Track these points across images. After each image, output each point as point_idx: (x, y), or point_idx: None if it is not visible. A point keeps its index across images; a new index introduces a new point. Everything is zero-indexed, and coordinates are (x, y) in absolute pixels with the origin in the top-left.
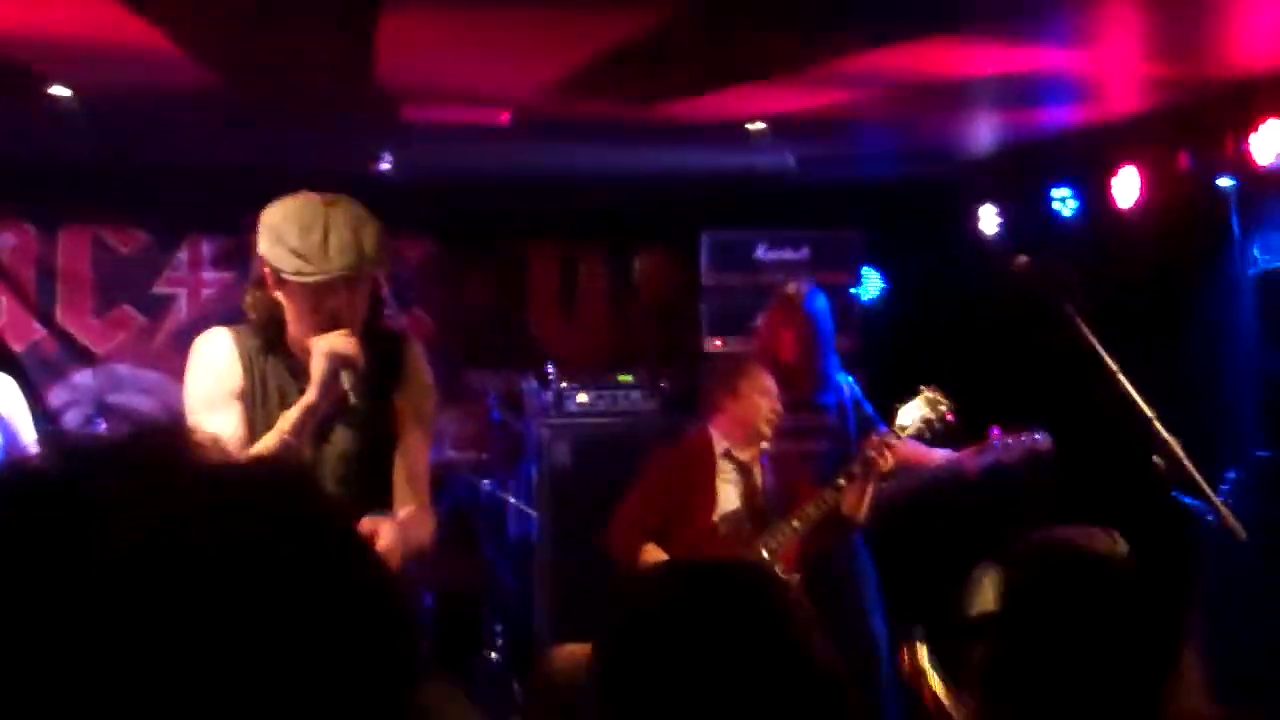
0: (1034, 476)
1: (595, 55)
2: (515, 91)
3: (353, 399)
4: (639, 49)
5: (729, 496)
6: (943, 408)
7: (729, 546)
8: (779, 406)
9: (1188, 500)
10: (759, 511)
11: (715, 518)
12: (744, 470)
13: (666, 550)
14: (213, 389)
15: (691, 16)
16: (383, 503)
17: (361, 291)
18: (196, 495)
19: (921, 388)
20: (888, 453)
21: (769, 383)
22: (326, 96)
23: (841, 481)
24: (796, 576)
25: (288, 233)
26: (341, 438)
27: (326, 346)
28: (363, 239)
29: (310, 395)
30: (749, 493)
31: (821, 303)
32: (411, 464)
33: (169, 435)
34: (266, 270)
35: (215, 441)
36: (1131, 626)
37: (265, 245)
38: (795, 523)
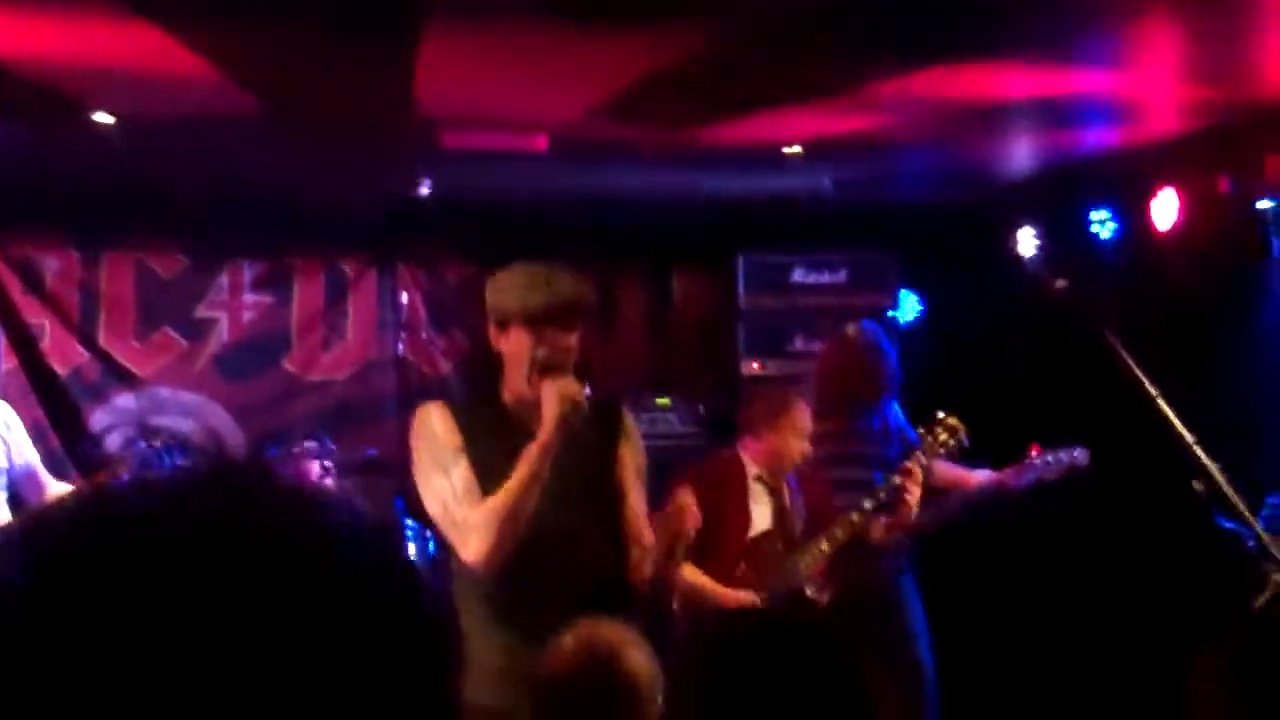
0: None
1: (632, 81)
2: (552, 117)
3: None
4: (675, 75)
5: (762, 516)
6: (960, 434)
7: (762, 566)
8: (809, 450)
9: (1228, 525)
10: (791, 533)
11: (748, 537)
12: (775, 493)
13: (700, 568)
14: (436, 452)
15: (728, 42)
16: (598, 542)
17: (575, 339)
18: (273, 531)
19: (939, 414)
20: (913, 480)
21: (806, 422)
22: (367, 122)
23: (867, 505)
24: (826, 596)
25: (515, 279)
26: (565, 480)
27: (559, 388)
28: (580, 287)
29: (546, 434)
30: (780, 515)
31: (886, 342)
32: (636, 513)
33: (245, 468)
34: (491, 326)
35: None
36: None
37: (493, 298)
38: (824, 544)
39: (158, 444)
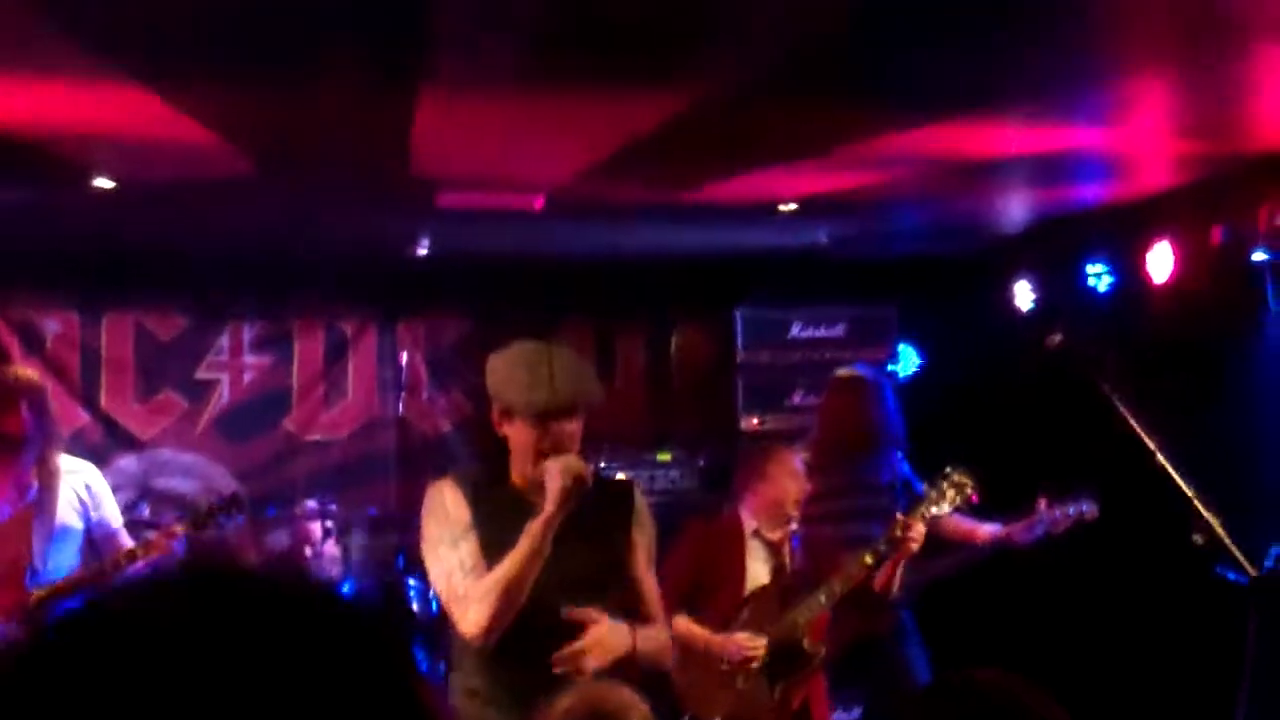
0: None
1: (626, 141)
2: (548, 177)
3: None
4: (669, 135)
5: (758, 573)
6: (968, 489)
7: (759, 619)
8: (807, 488)
9: (1230, 576)
10: (788, 589)
11: (745, 592)
12: (773, 549)
13: (696, 620)
14: (446, 528)
15: (721, 102)
16: (615, 604)
17: (579, 425)
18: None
19: (947, 469)
20: (913, 533)
21: (797, 466)
22: (364, 184)
23: (868, 559)
24: (823, 650)
25: (517, 372)
26: (574, 561)
27: (562, 465)
28: (582, 375)
29: (548, 509)
30: (777, 570)
31: (888, 386)
32: (650, 595)
33: (211, 565)
34: (495, 411)
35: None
36: None
37: (496, 386)
38: (822, 597)
39: (216, 503)
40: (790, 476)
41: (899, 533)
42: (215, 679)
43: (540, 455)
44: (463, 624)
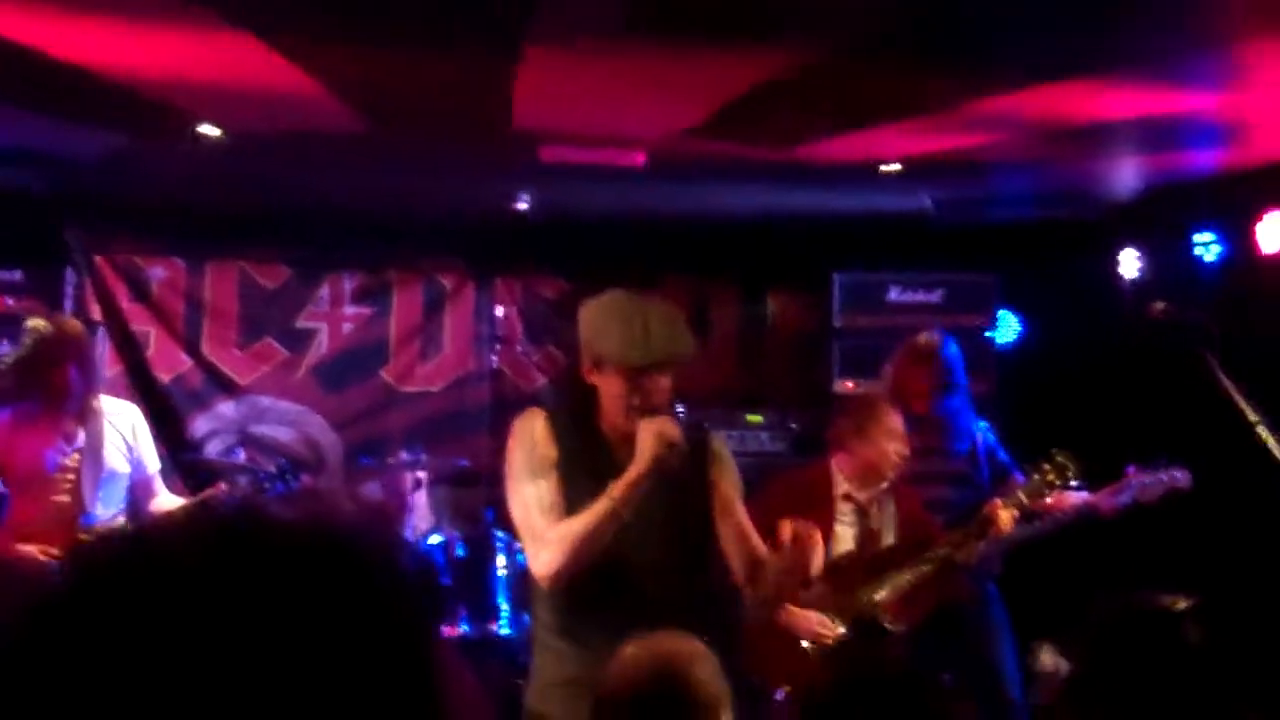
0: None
1: (729, 98)
2: (650, 133)
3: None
4: (772, 92)
5: (845, 538)
6: (1070, 473)
7: (840, 589)
8: (905, 450)
9: None
10: (874, 557)
11: (829, 558)
12: (862, 513)
13: None
14: (531, 461)
15: (825, 58)
16: (693, 571)
17: (670, 378)
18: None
19: (1052, 452)
20: (1008, 518)
21: (897, 424)
22: (466, 137)
23: (957, 540)
24: (903, 627)
25: (611, 325)
26: (666, 514)
27: (657, 428)
28: (676, 331)
29: (638, 469)
30: (865, 537)
31: (954, 350)
32: (748, 530)
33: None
34: (586, 360)
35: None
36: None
37: (589, 335)
38: (908, 576)
39: (272, 468)
40: (889, 436)
41: (989, 513)
42: (221, 630)
43: (630, 408)
44: (534, 563)
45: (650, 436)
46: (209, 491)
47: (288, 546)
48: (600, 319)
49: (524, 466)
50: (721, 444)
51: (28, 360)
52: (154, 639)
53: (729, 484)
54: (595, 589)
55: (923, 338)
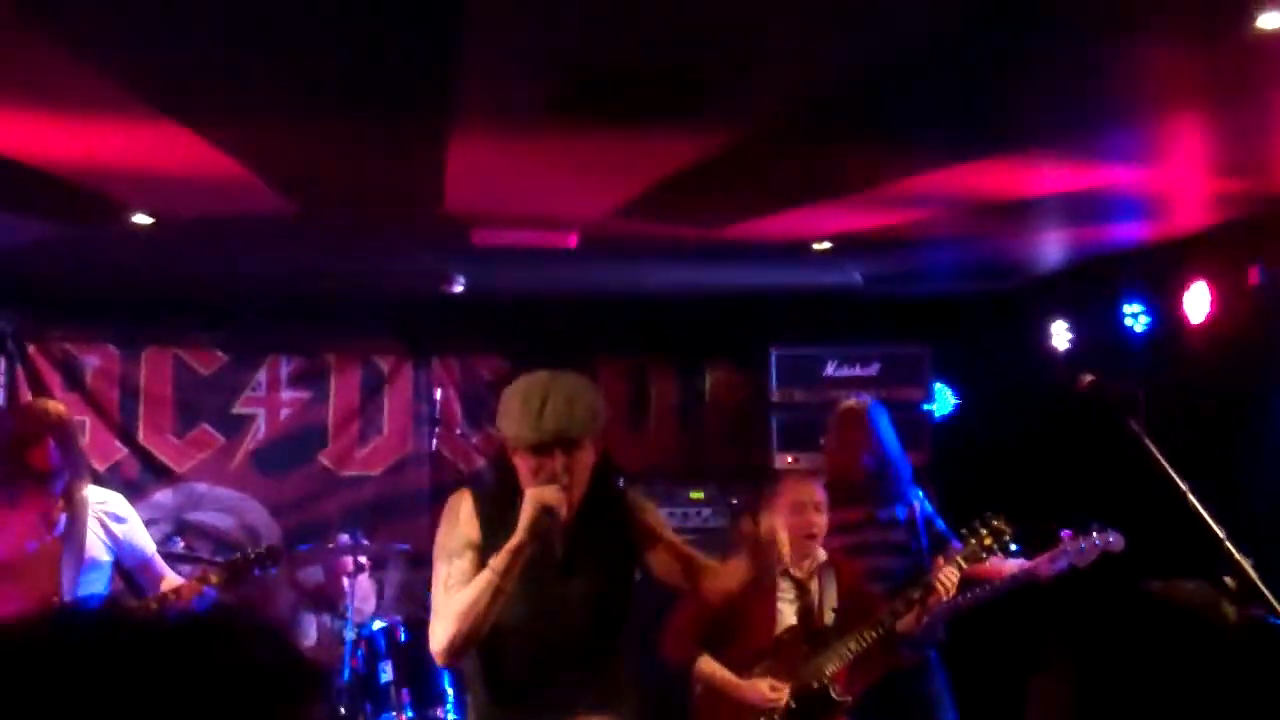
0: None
1: (660, 179)
2: (581, 214)
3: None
4: (702, 173)
5: (787, 614)
6: (1006, 537)
7: (786, 663)
8: (820, 520)
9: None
10: (817, 631)
11: (774, 635)
12: (802, 588)
13: (721, 661)
14: (450, 541)
15: (755, 141)
16: (616, 636)
17: (580, 454)
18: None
19: (987, 515)
20: (949, 582)
21: (806, 497)
22: (399, 222)
23: (899, 608)
24: (849, 699)
25: (513, 405)
26: (583, 580)
27: (535, 495)
28: (575, 407)
29: (515, 538)
30: (806, 611)
31: (882, 413)
32: (680, 545)
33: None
34: (503, 436)
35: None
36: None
37: (498, 416)
38: (852, 645)
39: (251, 554)
40: (814, 509)
41: (933, 582)
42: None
43: (536, 484)
44: (431, 641)
45: (529, 504)
46: (181, 584)
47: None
48: (506, 400)
49: (443, 547)
50: (638, 495)
51: (6, 438)
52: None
53: (650, 518)
54: (517, 673)
55: (850, 401)
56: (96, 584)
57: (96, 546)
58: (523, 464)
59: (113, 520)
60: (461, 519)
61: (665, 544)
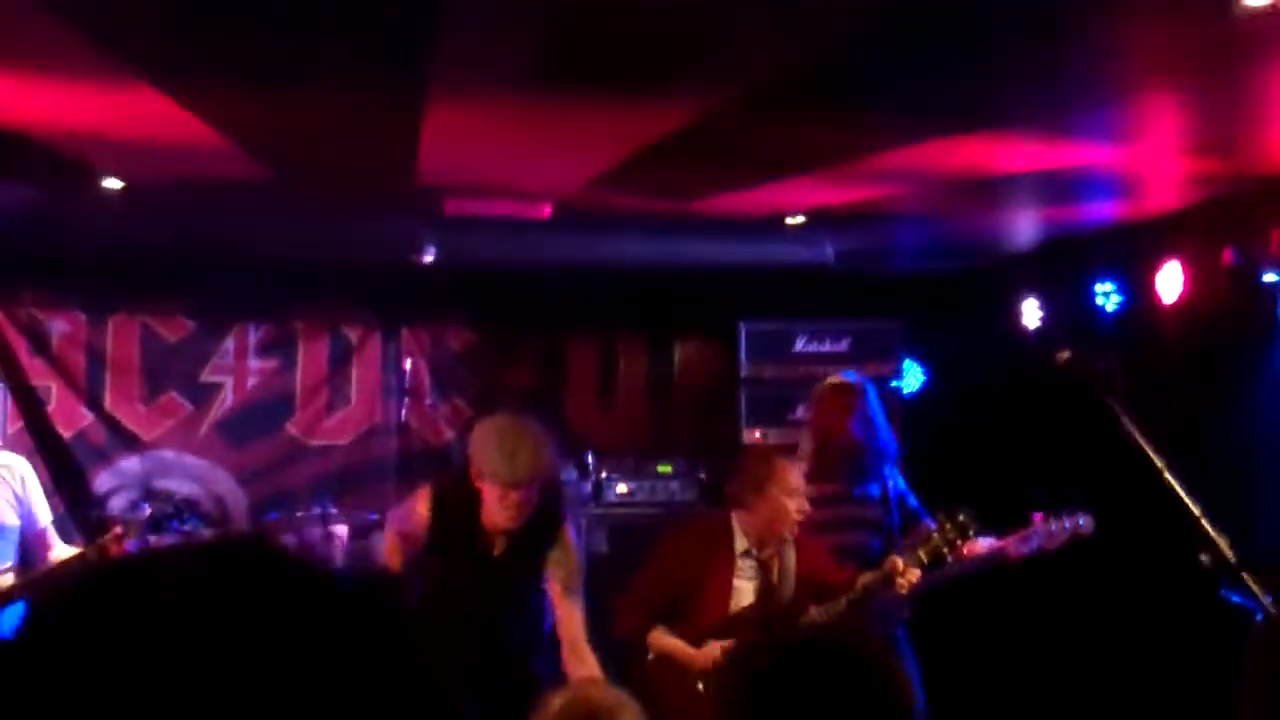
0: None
1: (634, 150)
2: (556, 185)
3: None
4: (677, 144)
5: (745, 591)
6: (971, 532)
7: (740, 641)
8: (805, 507)
9: (1235, 598)
10: (774, 611)
11: (728, 612)
12: (763, 568)
13: (674, 631)
14: (399, 523)
15: (730, 113)
16: (521, 636)
17: (534, 490)
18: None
19: (953, 509)
20: (908, 584)
21: (796, 481)
22: (371, 189)
23: (859, 590)
24: None
25: (490, 444)
26: (489, 587)
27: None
28: (540, 456)
29: None
30: (765, 591)
31: (875, 394)
32: (574, 633)
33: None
34: (474, 468)
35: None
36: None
37: (475, 451)
38: (821, 613)
39: (169, 508)
40: (789, 494)
41: (891, 573)
42: (220, 650)
43: (498, 511)
44: None
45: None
46: (107, 536)
47: (288, 573)
48: (484, 438)
49: (391, 521)
50: (571, 537)
51: None
52: (154, 660)
53: (562, 576)
54: (452, 655)
55: (837, 377)
56: (5, 547)
57: (5, 511)
58: (490, 493)
59: (21, 484)
60: (415, 521)
61: (562, 612)
